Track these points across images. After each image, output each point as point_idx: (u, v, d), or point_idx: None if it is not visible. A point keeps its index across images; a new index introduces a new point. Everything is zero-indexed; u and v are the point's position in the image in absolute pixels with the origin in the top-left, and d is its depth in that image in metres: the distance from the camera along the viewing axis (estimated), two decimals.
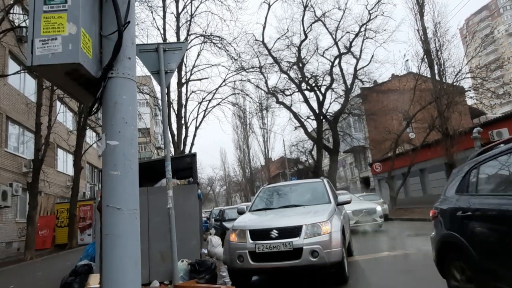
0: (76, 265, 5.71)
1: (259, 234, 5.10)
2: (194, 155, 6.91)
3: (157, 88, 27.59)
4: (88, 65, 1.58)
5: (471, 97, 22.13)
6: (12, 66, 16.43)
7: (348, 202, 6.55)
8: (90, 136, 23.96)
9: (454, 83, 19.44)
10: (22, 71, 15.55)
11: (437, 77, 19.58)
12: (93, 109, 1.75)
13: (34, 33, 1.51)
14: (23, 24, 14.52)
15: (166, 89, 5.06)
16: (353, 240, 8.22)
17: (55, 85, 1.64)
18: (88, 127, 18.49)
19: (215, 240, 9.01)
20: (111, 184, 1.59)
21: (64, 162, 22.56)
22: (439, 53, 19.40)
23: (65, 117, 22.12)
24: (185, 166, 7.19)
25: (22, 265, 11.55)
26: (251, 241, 5.07)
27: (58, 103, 19.41)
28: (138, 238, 1.61)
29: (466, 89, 20.85)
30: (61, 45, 1.50)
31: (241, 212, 6.65)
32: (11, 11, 12.40)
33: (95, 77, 1.65)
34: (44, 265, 11.17)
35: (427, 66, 19.92)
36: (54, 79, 1.62)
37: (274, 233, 5.01)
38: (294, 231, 4.98)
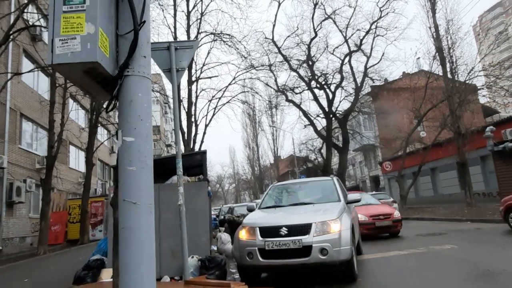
0: (89, 260, 5.83)
1: (269, 231, 5.13)
2: (204, 152, 6.98)
3: (167, 86, 27.80)
4: (105, 63, 1.62)
5: (483, 96, 21.84)
6: (26, 64, 16.71)
7: (357, 201, 6.56)
8: (101, 134, 24.27)
9: (467, 81, 19.19)
10: (36, 69, 15.78)
11: (449, 75, 19.34)
12: (110, 106, 1.80)
13: (54, 32, 1.56)
14: (37, 23, 14.77)
15: (179, 87, 5.12)
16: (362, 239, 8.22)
17: (73, 83, 1.69)
18: (99, 125, 18.72)
19: (225, 237, 9.07)
20: (127, 179, 1.64)
21: (76, 159, 22.91)
22: (451, 50, 19.17)
23: (77, 115, 22.45)
24: (195, 163, 7.26)
25: (36, 259, 11.79)
26: (260, 238, 5.10)
27: (71, 100, 19.72)
28: (153, 232, 1.66)
29: (478, 87, 20.57)
30: (80, 44, 1.55)
31: (251, 210, 6.70)
32: (25, 10, 12.60)
33: (112, 75, 1.70)
34: (57, 259, 11.39)
35: (439, 64, 19.69)
36: (72, 77, 1.66)
37: (284, 230, 5.03)
38: (304, 229, 5.00)
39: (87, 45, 1.55)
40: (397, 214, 10.41)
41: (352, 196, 6.53)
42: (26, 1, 12.04)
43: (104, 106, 17.29)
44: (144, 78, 1.75)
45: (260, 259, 5.03)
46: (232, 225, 10.04)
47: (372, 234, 9.98)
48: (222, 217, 15.36)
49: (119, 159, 1.68)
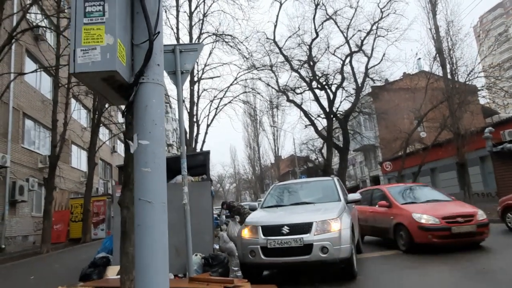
0: (94, 257, 5.95)
1: (271, 230, 5.27)
2: (208, 153, 7.11)
3: (168, 86, 27.92)
4: (123, 72, 1.74)
5: (483, 97, 21.94)
6: (29, 64, 16.84)
7: (357, 200, 6.69)
8: (103, 133, 24.40)
9: (467, 82, 19.28)
10: (39, 70, 15.89)
11: (449, 76, 19.45)
12: (126, 111, 1.92)
13: (76, 43, 1.68)
14: (40, 24, 14.89)
15: (182, 89, 5.24)
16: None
17: (91, 89, 1.82)
18: (101, 124, 18.85)
19: (226, 236, 9.19)
20: (142, 179, 1.76)
21: (78, 158, 23.03)
22: (451, 52, 19.28)
23: (79, 114, 22.58)
24: (199, 163, 7.39)
25: (39, 257, 11.92)
26: (263, 237, 5.24)
27: (73, 100, 19.84)
28: (166, 228, 1.78)
29: (478, 89, 20.66)
30: (100, 54, 1.66)
31: (253, 209, 6.83)
32: (29, 11, 12.72)
33: (128, 82, 1.81)
34: (61, 258, 11.52)
35: (439, 65, 19.80)
36: (92, 84, 1.78)
37: (285, 229, 5.17)
38: (305, 227, 5.13)
39: (106, 55, 1.66)
40: (481, 216, 7.15)
41: (352, 196, 6.66)
42: (29, 2, 12.16)
43: (106, 106, 17.50)
44: (158, 85, 1.87)
45: (262, 257, 5.16)
46: (232, 209, 10.33)
47: (445, 244, 6.99)
48: (224, 216, 15.49)
49: (134, 161, 1.80)
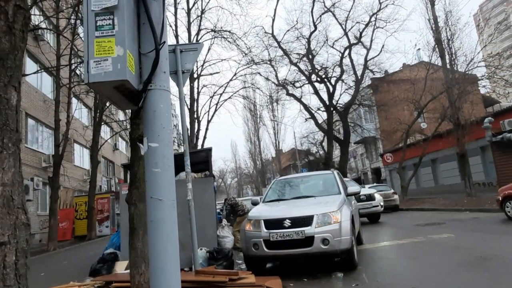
0: (103, 253, 6.14)
1: (273, 223, 5.43)
2: (210, 149, 7.25)
3: (171, 83, 28.02)
4: (132, 80, 1.88)
5: (483, 86, 21.98)
6: (29, 64, 16.96)
7: (357, 193, 6.84)
8: (104, 131, 24.55)
9: (467, 72, 19.32)
10: (40, 71, 16.01)
11: (448, 67, 19.48)
12: (135, 115, 2.06)
13: (89, 55, 1.81)
14: (39, 25, 14.97)
15: (183, 88, 5.37)
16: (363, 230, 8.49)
17: (103, 96, 1.97)
18: (103, 123, 19.00)
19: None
20: (153, 179, 1.90)
21: (81, 157, 23.24)
22: (450, 42, 19.30)
23: (80, 113, 22.73)
24: (201, 160, 7.53)
25: (47, 255, 12.15)
26: (265, 230, 5.40)
27: (74, 99, 19.99)
28: (176, 224, 1.93)
29: (478, 78, 20.69)
30: (111, 65, 1.80)
31: (255, 203, 6.99)
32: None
33: (137, 89, 1.95)
34: (68, 255, 11.74)
35: (438, 55, 19.84)
36: (104, 92, 1.92)
37: (287, 222, 5.33)
38: (306, 220, 5.29)
39: (117, 65, 1.80)
40: None
41: (352, 188, 6.81)
42: (29, 4, 12.23)
43: (107, 104, 17.63)
44: (165, 91, 2.01)
45: (265, 249, 5.33)
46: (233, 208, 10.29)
47: None
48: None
49: (145, 162, 1.94)
